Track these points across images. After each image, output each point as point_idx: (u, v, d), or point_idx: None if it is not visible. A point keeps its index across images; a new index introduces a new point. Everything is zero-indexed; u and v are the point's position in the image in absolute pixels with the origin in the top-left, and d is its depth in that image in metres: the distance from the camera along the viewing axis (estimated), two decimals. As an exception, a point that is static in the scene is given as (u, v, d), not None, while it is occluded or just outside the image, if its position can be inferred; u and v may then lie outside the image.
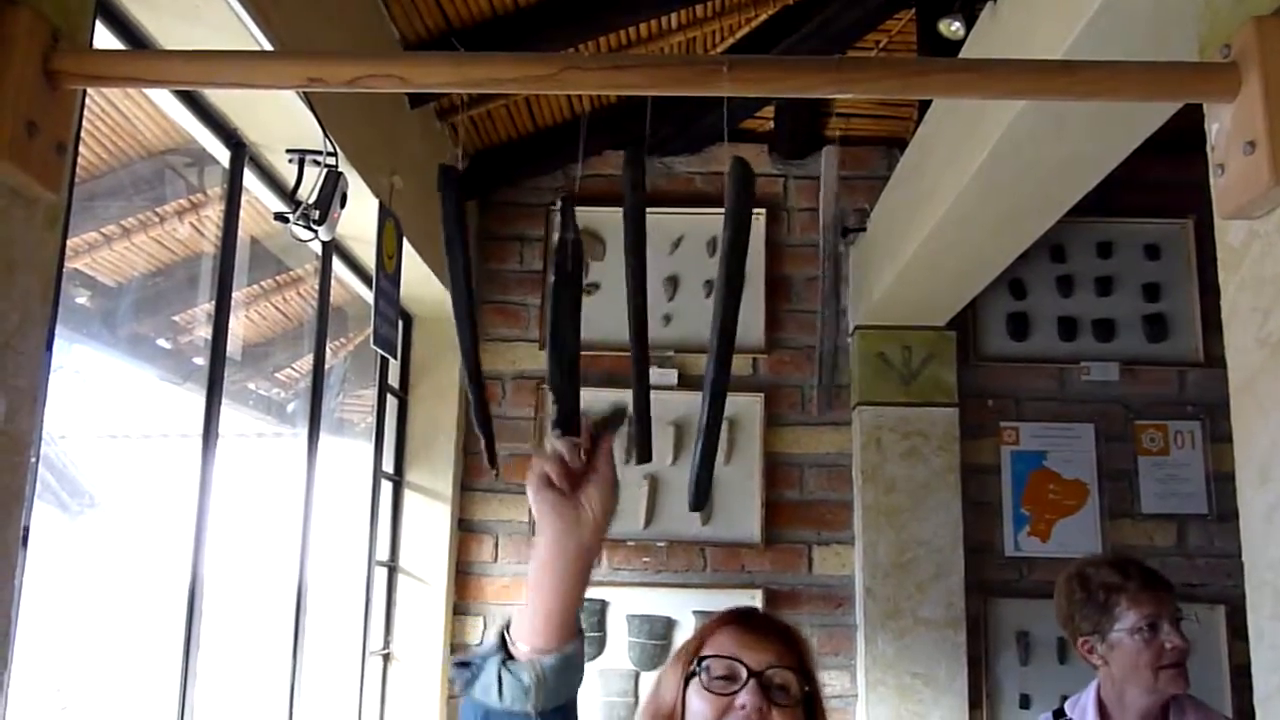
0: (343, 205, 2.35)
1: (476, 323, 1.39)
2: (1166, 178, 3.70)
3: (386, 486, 3.63)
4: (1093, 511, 3.74)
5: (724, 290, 0.99)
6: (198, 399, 2.33)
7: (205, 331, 2.40)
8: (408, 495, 3.72)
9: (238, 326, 2.65)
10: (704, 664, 1.19)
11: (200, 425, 2.31)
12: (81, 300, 2.24)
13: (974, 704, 3.57)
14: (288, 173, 2.46)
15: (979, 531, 3.71)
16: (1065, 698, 2.31)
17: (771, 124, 3.93)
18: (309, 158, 2.34)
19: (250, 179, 2.46)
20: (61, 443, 2.12)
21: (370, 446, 3.52)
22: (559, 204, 1.48)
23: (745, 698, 1.14)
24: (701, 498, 0.98)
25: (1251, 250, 1.22)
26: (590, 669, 3.66)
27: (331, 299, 3.04)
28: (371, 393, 3.59)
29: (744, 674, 1.15)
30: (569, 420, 1.07)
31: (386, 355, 2.81)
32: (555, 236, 1.39)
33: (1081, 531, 3.72)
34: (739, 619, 1.24)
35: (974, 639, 3.61)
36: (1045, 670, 3.61)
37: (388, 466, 3.63)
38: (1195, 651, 3.46)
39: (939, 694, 3.54)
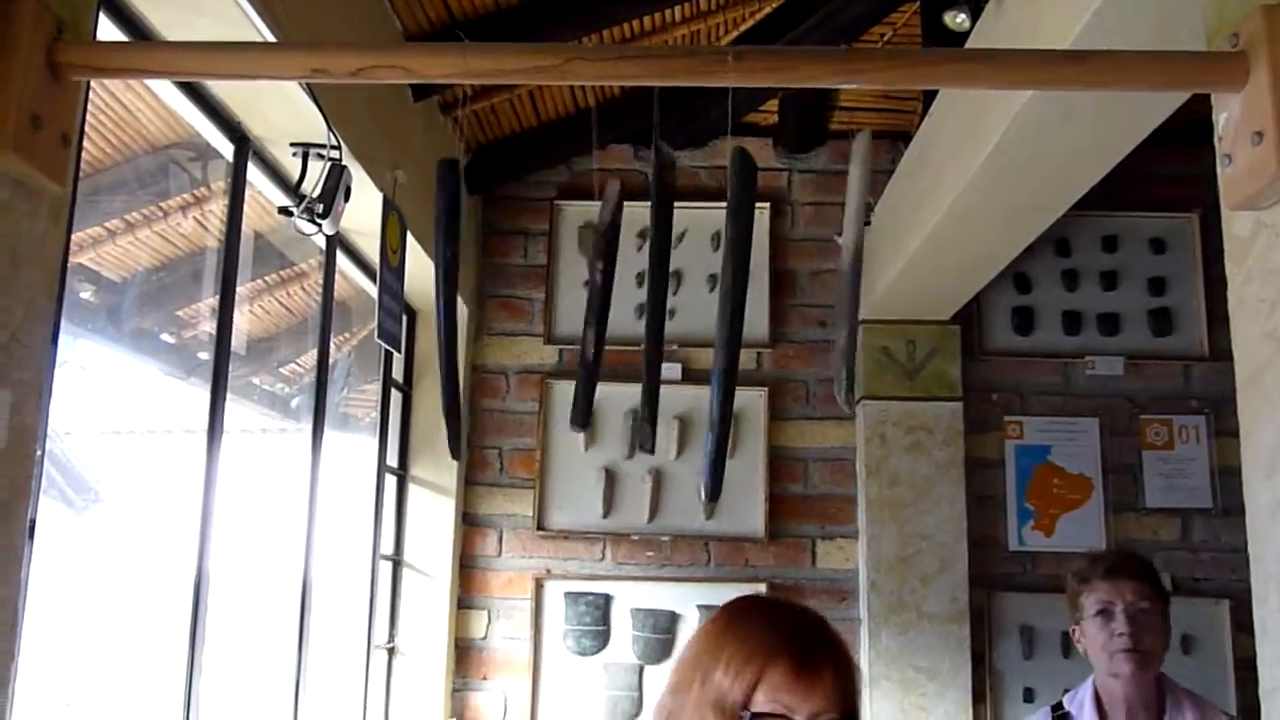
0: (346, 199, 2.35)
1: (455, 317, 1.39)
2: (1172, 171, 3.69)
3: (391, 481, 3.63)
4: (1097, 506, 3.74)
5: (730, 285, 0.99)
6: (202, 394, 2.33)
7: (209, 326, 2.40)
8: (412, 489, 3.73)
9: (242, 321, 2.65)
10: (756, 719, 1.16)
11: (205, 420, 2.31)
12: (86, 295, 2.24)
13: (977, 698, 3.57)
14: (291, 167, 2.46)
15: (983, 526, 3.71)
16: (1067, 691, 2.32)
17: (776, 118, 3.93)
18: (313, 151, 2.34)
19: (254, 173, 2.46)
20: (67, 439, 2.12)
21: (374, 441, 3.52)
22: (606, 191, 1.48)
23: None
24: (718, 487, 0.98)
25: (1259, 241, 1.21)
26: (594, 663, 3.67)
27: (336, 294, 3.03)
28: (375, 387, 3.59)
29: None
30: (585, 418, 1.08)
31: (390, 349, 2.80)
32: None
33: (1085, 526, 3.71)
34: (796, 654, 1.16)
35: (978, 633, 3.61)
36: (1049, 664, 3.61)
37: (392, 460, 3.63)
38: (1200, 646, 3.53)
39: (943, 688, 3.54)
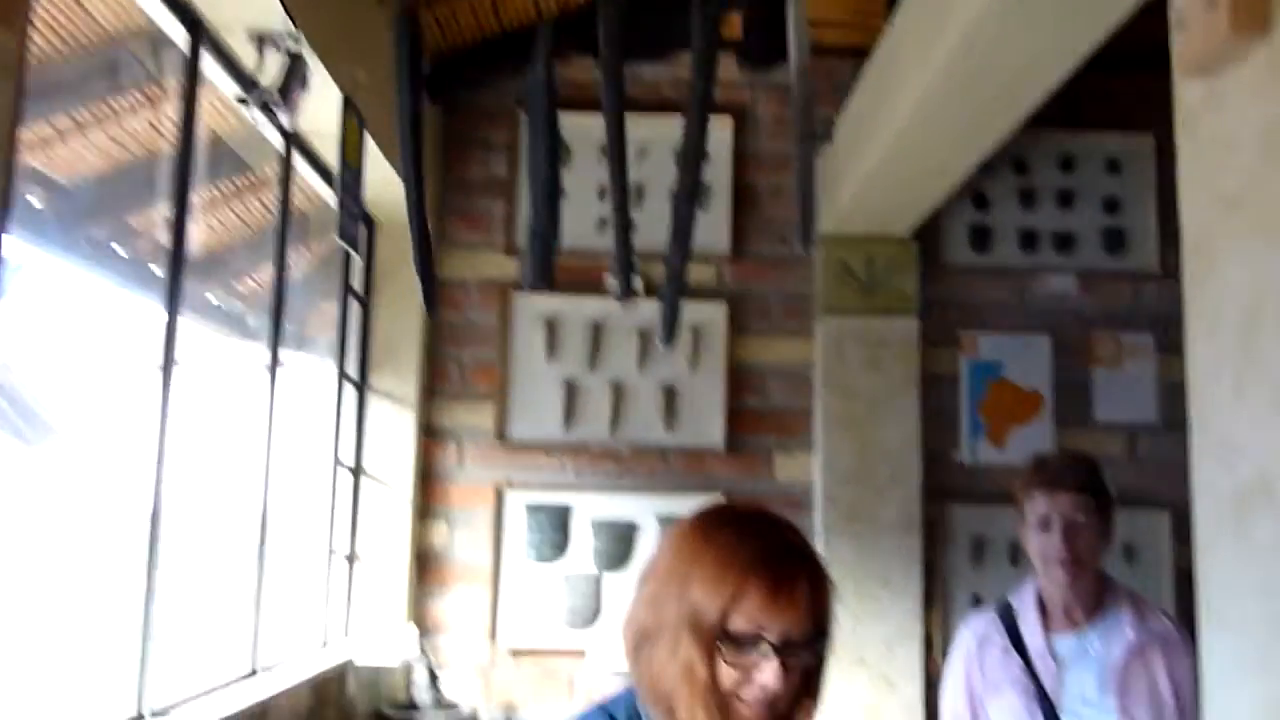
0: (304, 88, 2.31)
1: (423, 165, 1.38)
2: (1131, 92, 3.74)
3: (350, 391, 3.62)
4: (1047, 420, 3.83)
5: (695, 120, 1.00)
6: (157, 307, 2.29)
7: (164, 237, 2.36)
8: (372, 400, 3.72)
9: (198, 233, 2.61)
10: (729, 638, 1.14)
11: (161, 332, 2.27)
12: (34, 199, 2.19)
13: (929, 605, 3.67)
14: (249, 60, 2.41)
15: (936, 439, 3.78)
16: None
17: (740, 31, 3.90)
18: (270, 40, 2.30)
19: (210, 65, 2.40)
20: (17, 370, 2.08)
21: (333, 359, 3.51)
22: (541, 34, 1.44)
23: (765, 676, 1.11)
24: (671, 331, 0.99)
25: (1208, 108, 1.24)
26: (554, 571, 3.72)
27: (294, 204, 2.99)
28: (335, 307, 3.57)
29: (765, 647, 1.11)
30: (542, 273, 1.08)
31: (350, 250, 2.79)
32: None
33: (1036, 440, 3.79)
34: (771, 572, 1.14)
35: (930, 543, 3.70)
36: (997, 572, 3.72)
37: (351, 371, 3.62)
38: (1140, 556, 3.65)
39: (895, 595, 3.63)
